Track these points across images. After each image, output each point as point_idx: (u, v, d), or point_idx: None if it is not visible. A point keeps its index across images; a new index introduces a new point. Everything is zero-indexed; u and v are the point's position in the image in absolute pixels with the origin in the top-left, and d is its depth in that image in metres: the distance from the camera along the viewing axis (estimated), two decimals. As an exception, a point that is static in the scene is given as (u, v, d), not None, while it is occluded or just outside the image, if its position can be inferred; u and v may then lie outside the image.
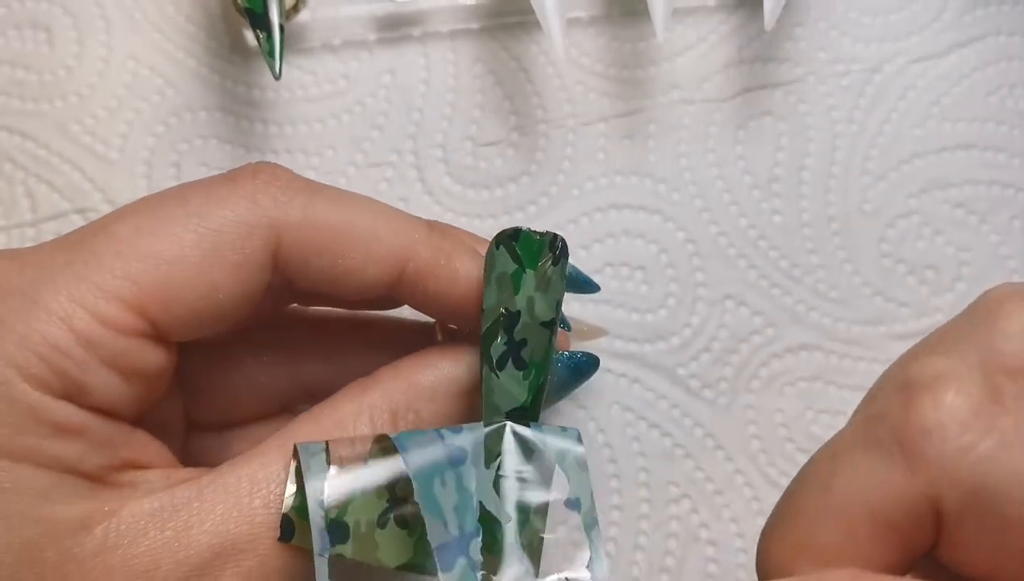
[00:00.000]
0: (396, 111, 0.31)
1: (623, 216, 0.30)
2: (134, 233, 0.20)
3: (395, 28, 0.31)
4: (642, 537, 0.29)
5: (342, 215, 0.21)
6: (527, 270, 0.20)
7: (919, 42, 0.32)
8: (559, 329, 0.23)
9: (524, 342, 0.20)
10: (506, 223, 0.30)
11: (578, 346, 0.29)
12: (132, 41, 0.31)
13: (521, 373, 0.20)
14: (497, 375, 0.20)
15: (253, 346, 0.24)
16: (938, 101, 0.31)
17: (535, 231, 0.21)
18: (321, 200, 0.21)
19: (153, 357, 0.20)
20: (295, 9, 0.30)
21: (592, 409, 0.29)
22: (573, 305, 0.30)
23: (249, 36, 0.31)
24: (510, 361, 0.20)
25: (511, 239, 0.21)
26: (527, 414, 0.21)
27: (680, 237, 0.30)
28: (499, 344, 0.20)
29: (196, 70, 0.31)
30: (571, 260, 0.30)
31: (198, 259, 0.20)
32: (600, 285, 0.30)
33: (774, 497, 0.29)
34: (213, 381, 0.24)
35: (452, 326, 0.25)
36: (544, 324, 0.21)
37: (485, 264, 0.21)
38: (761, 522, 0.28)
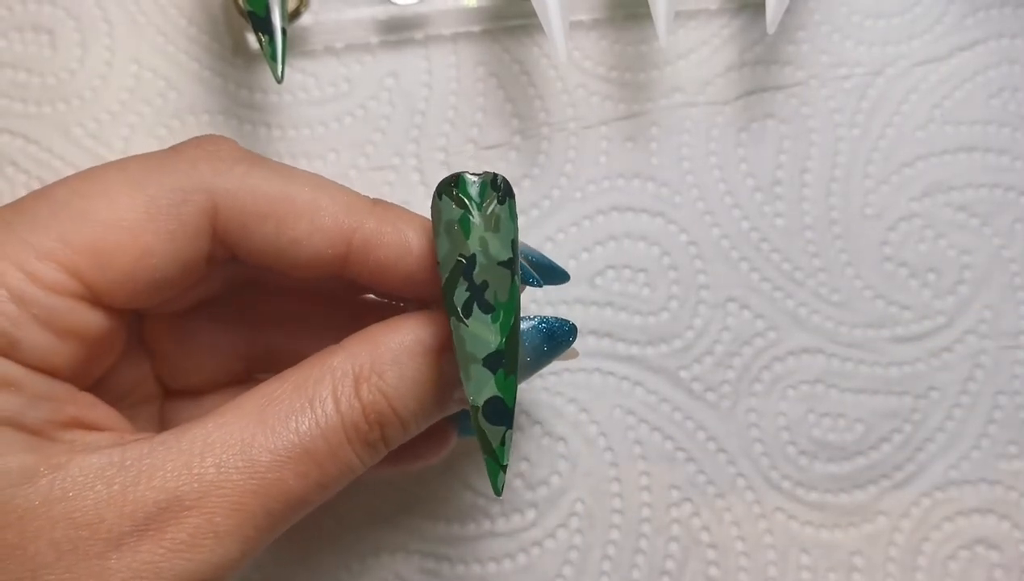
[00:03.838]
0: (398, 114, 0.31)
1: (625, 219, 0.30)
2: (71, 196, 0.20)
3: (397, 31, 0.31)
4: (643, 540, 0.29)
5: (283, 185, 0.21)
6: (473, 212, 0.20)
7: (921, 45, 0.32)
8: (530, 284, 0.22)
9: (485, 284, 0.20)
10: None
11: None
12: (135, 44, 0.31)
13: (489, 316, 0.20)
14: (466, 323, 0.20)
15: (215, 311, 0.25)
16: (940, 104, 0.31)
17: (473, 173, 0.20)
18: (262, 170, 0.21)
19: (90, 319, 0.20)
20: (297, 12, 0.30)
21: (594, 412, 0.29)
22: (576, 308, 0.30)
23: (251, 39, 0.31)
24: (475, 306, 0.20)
25: (451, 186, 0.20)
26: (504, 359, 0.20)
27: (682, 240, 0.30)
28: (461, 292, 0.20)
29: (198, 73, 0.31)
30: (572, 262, 0.30)
31: (131, 223, 0.20)
32: (602, 287, 0.30)
33: (776, 500, 0.29)
34: (177, 346, 0.24)
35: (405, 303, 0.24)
36: (502, 264, 0.20)
37: (432, 218, 0.21)
38: (763, 525, 0.28)
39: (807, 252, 0.30)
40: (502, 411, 0.20)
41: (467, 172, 0.20)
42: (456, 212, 0.20)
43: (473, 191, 0.20)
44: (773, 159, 0.31)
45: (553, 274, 0.25)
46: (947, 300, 0.30)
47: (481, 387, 0.20)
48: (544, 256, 0.25)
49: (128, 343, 0.23)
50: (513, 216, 0.20)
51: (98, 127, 0.30)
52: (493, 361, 0.20)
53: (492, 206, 0.20)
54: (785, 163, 0.31)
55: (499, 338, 0.20)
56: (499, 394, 0.20)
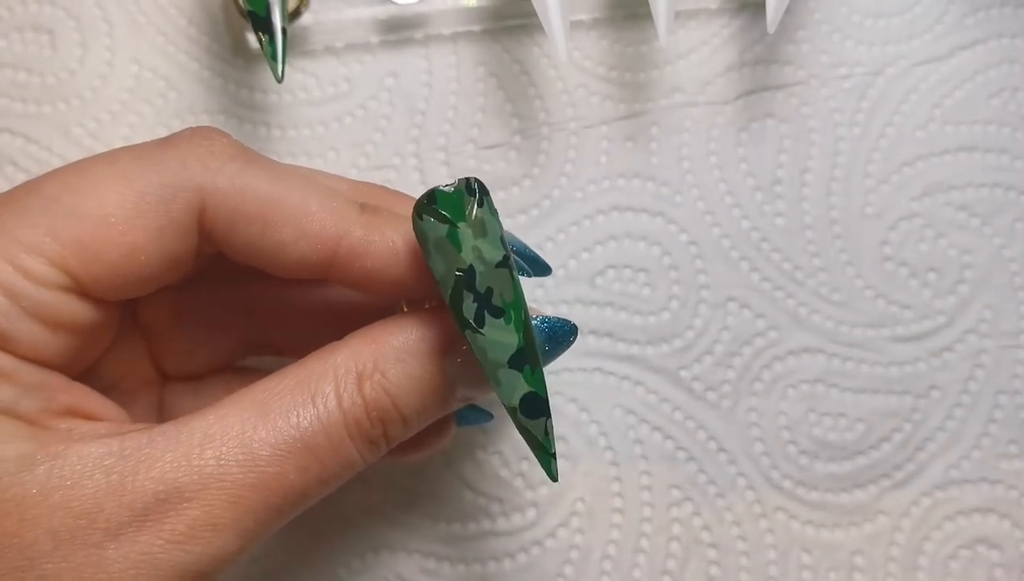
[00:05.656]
0: (398, 114, 0.31)
1: (626, 218, 0.30)
2: (61, 190, 0.20)
3: (397, 31, 0.31)
4: (644, 540, 0.29)
5: (273, 187, 0.21)
6: (459, 224, 0.20)
7: (921, 45, 0.32)
8: (523, 275, 0.23)
9: (490, 290, 0.20)
10: (510, 227, 0.30)
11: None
12: (135, 44, 0.31)
13: (502, 319, 0.20)
14: (482, 333, 0.20)
15: (210, 288, 0.25)
16: (940, 104, 0.31)
17: (447, 185, 0.20)
18: (254, 169, 0.21)
19: (79, 311, 0.20)
20: (297, 12, 0.30)
21: (594, 412, 0.29)
22: (576, 308, 0.30)
23: (251, 39, 0.31)
24: (486, 313, 0.20)
25: (429, 204, 0.20)
26: (525, 354, 0.20)
27: (683, 239, 0.30)
28: (469, 304, 0.20)
29: (199, 73, 0.31)
30: (572, 262, 0.30)
31: (120, 220, 0.20)
32: (602, 287, 0.30)
33: (777, 500, 0.29)
34: (172, 325, 0.24)
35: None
36: (499, 265, 0.20)
37: (418, 240, 0.20)
38: (764, 525, 0.28)
39: (807, 252, 0.30)
40: (538, 403, 0.20)
41: (439, 186, 0.20)
42: (442, 228, 0.20)
43: (452, 202, 0.20)
44: (773, 159, 0.31)
45: (537, 266, 0.25)
46: (947, 300, 0.30)
47: (513, 389, 0.20)
48: (527, 246, 0.25)
49: (121, 328, 0.23)
50: (494, 212, 0.20)
51: (98, 127, 0.30)
52: (517, 360, 0.20)
53: (474, 211, 0.20)
54: (785, 163, 0.31)
55: (517, 337, 0.20)
56: (531, 389, 0.20)
